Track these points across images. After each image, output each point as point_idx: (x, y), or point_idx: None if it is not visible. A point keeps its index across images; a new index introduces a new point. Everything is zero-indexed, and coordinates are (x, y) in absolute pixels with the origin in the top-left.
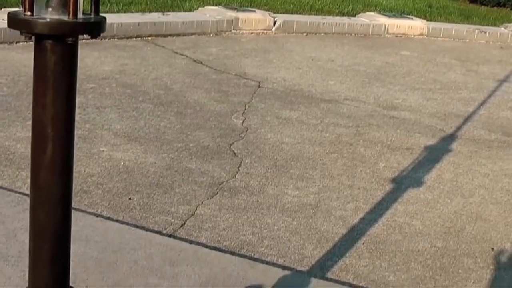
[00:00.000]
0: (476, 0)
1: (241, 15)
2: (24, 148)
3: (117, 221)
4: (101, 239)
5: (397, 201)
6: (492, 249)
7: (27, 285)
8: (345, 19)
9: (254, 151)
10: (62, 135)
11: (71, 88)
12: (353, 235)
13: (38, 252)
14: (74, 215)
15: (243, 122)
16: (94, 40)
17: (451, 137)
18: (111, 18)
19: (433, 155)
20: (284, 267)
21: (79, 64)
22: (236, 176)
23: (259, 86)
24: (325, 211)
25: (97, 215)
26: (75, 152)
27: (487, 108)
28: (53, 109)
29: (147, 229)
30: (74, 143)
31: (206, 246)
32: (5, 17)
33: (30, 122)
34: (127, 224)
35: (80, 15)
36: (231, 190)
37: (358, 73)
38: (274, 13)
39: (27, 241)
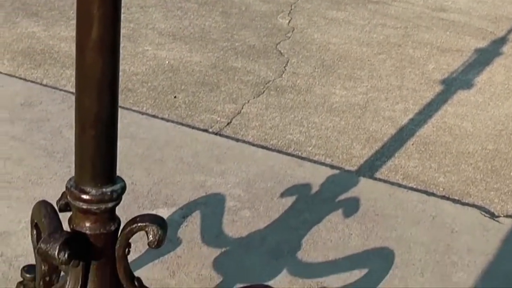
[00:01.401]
0: None
1: None
2: (68, 47)
3: (162, 119)
4: (147, 136)
5: (446, 102)
6: None
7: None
8: None
9: (301, 51)
10: (108, 14)
11: None
12: (402, 135)
13: (84, 140)
14: (119, 112)
15: (289, 22)
16: None
17: (502, 40)
18: None
19: (484, 57)
20: (332, 166)
21: None
22: (283, 76)
23: None
24: (374, 111)
25: (142, 113)
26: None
27: None
28: None
29: (193, 127)
30: (120, 24)
31: (253, 145)
32: None
33: (73, 22)
34: (173, 122)
35: None
36: (278, 89)
37: None
38: None
39: (72, 137)
